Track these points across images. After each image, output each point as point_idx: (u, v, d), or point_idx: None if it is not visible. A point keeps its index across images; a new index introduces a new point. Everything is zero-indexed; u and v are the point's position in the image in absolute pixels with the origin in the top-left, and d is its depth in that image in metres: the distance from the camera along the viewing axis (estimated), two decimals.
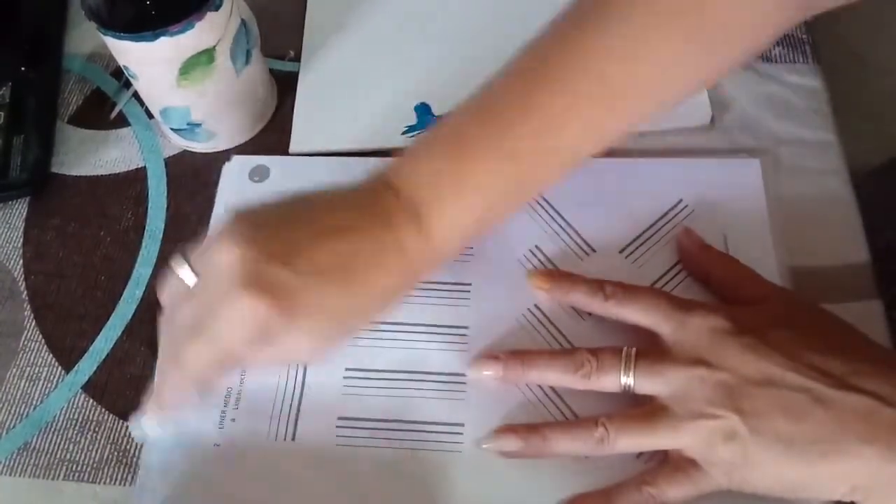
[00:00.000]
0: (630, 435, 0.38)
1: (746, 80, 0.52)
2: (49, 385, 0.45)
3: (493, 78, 0.40)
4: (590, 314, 0.43)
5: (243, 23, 0.49)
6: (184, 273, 0.37)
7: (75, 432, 0.44)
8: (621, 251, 0.45)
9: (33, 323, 0.47)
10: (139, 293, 0.48)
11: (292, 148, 0.52)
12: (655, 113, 0.40)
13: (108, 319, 0.47)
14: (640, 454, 0.39)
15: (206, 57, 0.47)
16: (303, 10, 0.59)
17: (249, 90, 0.52)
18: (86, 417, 0.44)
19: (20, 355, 0.46)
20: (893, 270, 0.46)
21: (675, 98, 0.41)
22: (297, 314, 0.35)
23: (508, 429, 0.40)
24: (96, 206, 0.52)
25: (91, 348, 0.46)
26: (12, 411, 0.44)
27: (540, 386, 0.42)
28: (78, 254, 0.50)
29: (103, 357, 0.46)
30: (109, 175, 0.53)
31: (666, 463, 0.38)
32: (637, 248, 0.45)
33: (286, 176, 0.50)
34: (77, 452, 0.43)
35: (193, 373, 0.36)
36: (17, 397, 0.45)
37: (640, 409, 0.38)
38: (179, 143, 0.53)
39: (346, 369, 0.43)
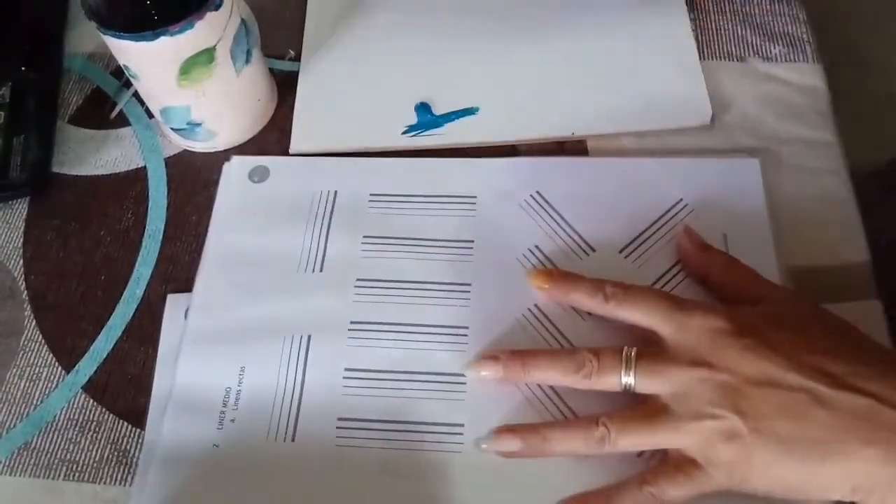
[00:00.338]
0: (631, 434, 0.38)
1: (746, 80, 0.52)
2: (49, 385, 0.45)
3: None
4: (590, 314, 0.43)
5: (243, 22, 0.49)
6: None
7: (75, 432, 0.44)
8: (621, 251, 0.45)
9: (33, 323, 0.47)
10: (139, 293, 0.48)
11: (292, 148, 0.52)
12: None
13: (108, 319, 0.47)
14: (640, 454, 0.39)
15: (206, 57, 0.47)
16: (303, 10, 0.59)
17: (249, 90, 0.52)
18: (86, 417, 0.44)
19: (20, 355, 0.46)
20: (893, 270, 0.46)
21: None
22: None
23: (508, 429, 0.40)
24: (96, 206, 0.52)
25: (91, 348, 0.46)
26: (13, 411, 0.45)
27: (540, 385, 0.42)
28: (78, 254, 0.50)
29: (103, 357, 0.46)
30: (109, 175, 0.53)
31: (666, 462, 0.38)
32: (637, 247, 0.45)
33: (286, 176, 0.50)
34: (77, 452, 0.43)
35: None
36: (18, 397, 0.45)
37: (641, 408, 0.38)
38: (179, 143, 0.53)
39: (346, 369, 0.43)
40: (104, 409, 0.44)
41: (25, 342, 0.47)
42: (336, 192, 0.49)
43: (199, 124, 0.51)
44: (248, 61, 0.50)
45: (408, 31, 0.57)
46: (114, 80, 0.57)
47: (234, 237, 0.48)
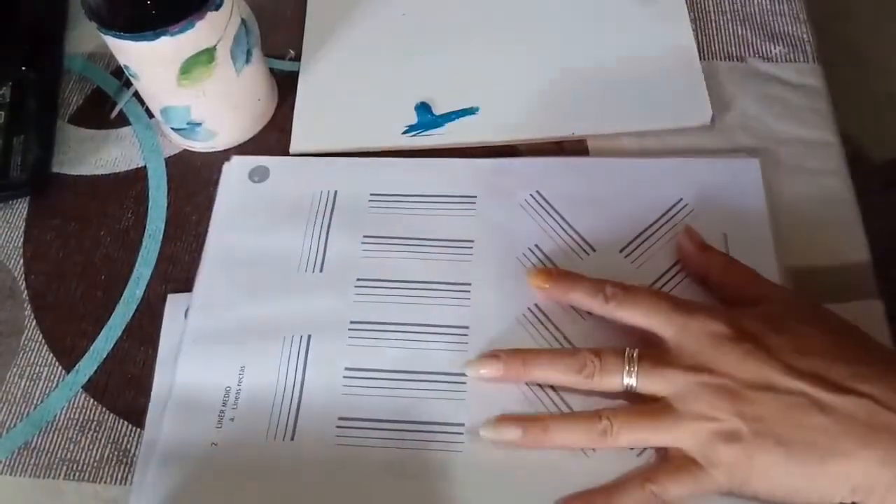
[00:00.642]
0: (633, 430, 0.38)
1: (746, 80, 0.52)
2: (49, 385, 0.45)
3: None
4: (590, 314, 0.43)
5: (243, 22, 0.49)
6: None
7: (76, 432, 0.44)
8: (621, 250, 0.45)
9: (33, 323, 0.47)
10: (139, 293, 0.48)
11: (292, 148, 0.52)
12: None
13: (108, 319, 0.47)
14: (640, 453, 0.39)
15: (206, 56, 0.47)
16: (303, 10, 0.59)
17: (249, 90, 0.52)
18: (86, 417, 0.44)
19: (20, 355, 0.46)
20: (893, 270, 0.46)
21: None
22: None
23: (508, 418, 0.40)
24: (96, 205, 0.52)
25: (91, 348, 0.46)
26: (13, 411, 0.45)
27: (540, 385, 0.42)
28: (78, 254, 0.50)
29: (103, 357, 0.46)
30: (109, 175, 0.53)
31: (668, 461, 0.38)
32: (637, 247, 0.45)
33: (286, 176, 0.50)
34: (77, 452, 0.43)
35: None
36: (18, 397, 0.45)
37: (644, 405, 0.39)
38: (180, 143, 0.53)
39: (346, 369, 0.43)
40: (104, 409, 0.44)
41: (25, 342, 0.47)
42: (336, 192, 0.49)
43: (199, 124, 0.51)
44: (248, 61, 0.50)
45: (408, 31, 0.57)
46: (114, 79, 0.57)
47: (235, 237, 0.48)
